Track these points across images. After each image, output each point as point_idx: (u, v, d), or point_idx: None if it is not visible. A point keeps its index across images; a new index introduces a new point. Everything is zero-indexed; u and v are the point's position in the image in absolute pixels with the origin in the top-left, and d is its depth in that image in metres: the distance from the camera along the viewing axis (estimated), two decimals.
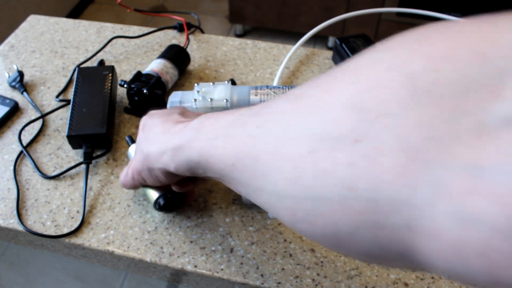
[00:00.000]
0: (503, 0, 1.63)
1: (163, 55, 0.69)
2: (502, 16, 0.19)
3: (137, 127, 0.65)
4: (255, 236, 0.52)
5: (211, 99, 0.58)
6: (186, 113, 0.42)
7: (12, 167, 0.60)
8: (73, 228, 0.53)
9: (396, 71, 0.20)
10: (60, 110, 0.68)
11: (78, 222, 0.53)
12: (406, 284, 0.48)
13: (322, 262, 0.50)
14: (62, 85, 0.72)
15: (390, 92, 0.20)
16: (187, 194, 0.52)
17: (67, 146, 0.62)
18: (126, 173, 0.45)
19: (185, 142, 0.34)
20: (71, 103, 0.62)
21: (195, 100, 0.58)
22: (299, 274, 0.49)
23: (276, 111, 0.27)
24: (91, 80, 0.65)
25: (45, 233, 0.53)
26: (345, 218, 0.21)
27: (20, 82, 0.71)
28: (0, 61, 0.77)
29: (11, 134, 0.64)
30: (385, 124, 0.19)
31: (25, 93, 0.70)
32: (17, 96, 0.70)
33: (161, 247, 0.51)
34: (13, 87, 0.71)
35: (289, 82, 0.72)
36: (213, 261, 0.50)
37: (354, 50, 0.69)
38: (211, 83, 0.60)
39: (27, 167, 0.60)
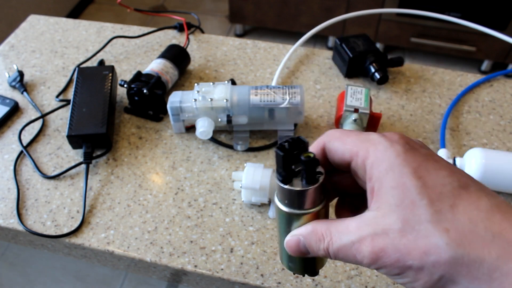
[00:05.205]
0: (502, 0, 1.63)
1: (163, 55, 0.69)
2: None
3: (137, 127, 0.65)
4: (255, 236, 0.52)
5: (211, 99, 0.58)
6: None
7: (12, 167, 0.60)
8: (73, 228, 0.53)
9: None
10: (60, 110, 0.68)
11: (78, 222, 0.53)
12: None
13: None
14: (62, 85, 0.72)
15: None
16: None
17: (67, 146, 0.62)
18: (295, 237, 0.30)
19: None
20: (71, 103, 0.62)
21: (195, 100, 0.58)
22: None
23: None
24: (91, 80, 0.65)
25: (45, 233, 0.53)
26: None
27: (20, 82, 0.71)
28: (0, 61, 0.77)
29: (11, 134, 0.64)
30: None
31: (25, 93, 0.70)
32: (17, 96, 0.70)
33: (161, 247, 0.51)
34: (13, 87, 0.71)
35: (289, 82, 0.72)
36: (213, 261, 0.50)
37: (354, 50, 0.69)
38: (211, 83, 0.60)
39: (27, 167, 0.60)
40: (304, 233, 0.29)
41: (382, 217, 0.25)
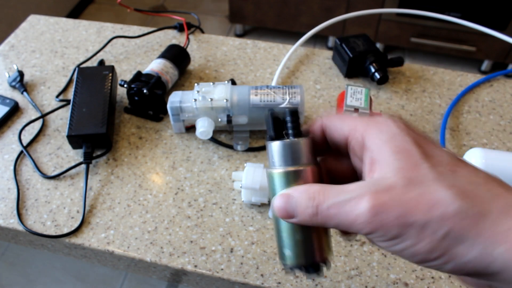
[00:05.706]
0: (502, 0, 1.63)
1: (163, 55, 0.69)
2: None
3: (137, 127, 0.65)
4: (255, 236, 0.52)
5: (211, 99, 0.58)
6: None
7: (12, 167, 0.60)
8: (73, 228, 0.53)
9: None
10: (60, 110, 0.68)
11: (78, 222, 0.53)
12: (406, 284, 0.48)
13: None
14: (62, 85, 0.72)
15: None
16: None
17: (67, 146, 0.62)
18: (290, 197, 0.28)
19: None
20: (71, 103, 0.62)
21: (195, 100, 0.58)
22: (299, 274, 0.49)
23: None
24: (91, 80, 0.65)
25: (45, 233, 0.53)
26: None
27: (20, 82, 0.71)
28: (0, 61, 0.77)
29: (11, 134, 0.64)
30: None
31: (25, 93, 0.70)
32: (17, 96, 0.70)
33: (161, 247, 0.51)
34: (13, 87, 0.71)
35: (289, 82, 0.72)
36: (213, 261, 0.50)
37: (354, 50, 0.69)
38: (211, 83, 0.60)
39: (27, 167, 0.60)
40: (296, 191, 0.27)
41: (384, 178, 0.24)
